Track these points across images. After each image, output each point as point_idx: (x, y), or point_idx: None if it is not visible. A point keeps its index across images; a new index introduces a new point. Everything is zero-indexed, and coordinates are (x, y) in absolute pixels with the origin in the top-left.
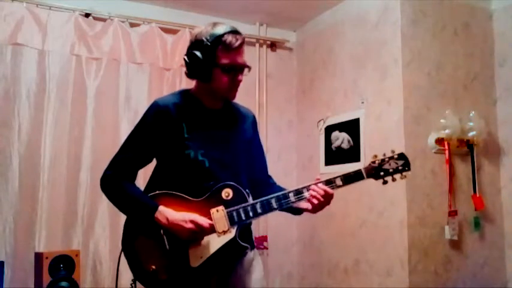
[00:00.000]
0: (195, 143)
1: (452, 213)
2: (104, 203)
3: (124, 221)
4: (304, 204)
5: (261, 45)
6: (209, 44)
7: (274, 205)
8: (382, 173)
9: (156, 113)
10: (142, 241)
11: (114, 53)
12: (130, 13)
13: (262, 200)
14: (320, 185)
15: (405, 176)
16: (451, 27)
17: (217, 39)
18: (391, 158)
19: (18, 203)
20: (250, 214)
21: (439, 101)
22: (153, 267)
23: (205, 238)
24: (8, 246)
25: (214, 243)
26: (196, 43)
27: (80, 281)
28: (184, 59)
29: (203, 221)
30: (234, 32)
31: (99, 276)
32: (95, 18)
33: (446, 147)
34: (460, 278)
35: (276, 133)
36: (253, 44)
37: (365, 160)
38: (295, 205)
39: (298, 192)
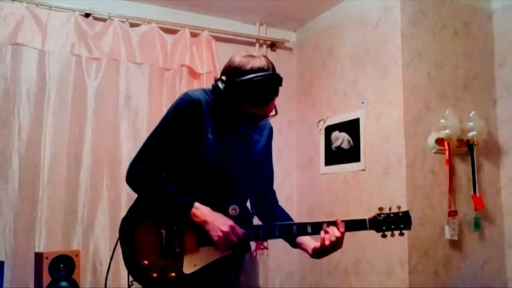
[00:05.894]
0: (213, 146)
1: (452, 213)
2: (104, 203)
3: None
4: (311, 243)
5: (261, 45)
6: (236, 88)
7: (277, 233)
8: (384, 227)
9: (189, 105)
10: (142, 235)
11: (114, 53)
12: (131, 13)
13: (267, 226)
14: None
15: (403, 234)
16: (451, 27)
17: (246, 88)
18: (396, 214)
19: (18, 203)
20: (252, 236)
21: (439, 101)
22: (146, 262)
23: (203, 248)
24: (8, 246)
25: (210, 255)
26: (228, 73)
27: (80, 281)
28: (216, 81)
29: (241, 231)
30: (271, 79)
31: (99, 276)
32: (95, 18)
33: (446, 147)
34: (460, 278)
35: (276, 133)
36: (253, 44)
37: (365, 160)
38: (303, 246)
39: (301, 227)
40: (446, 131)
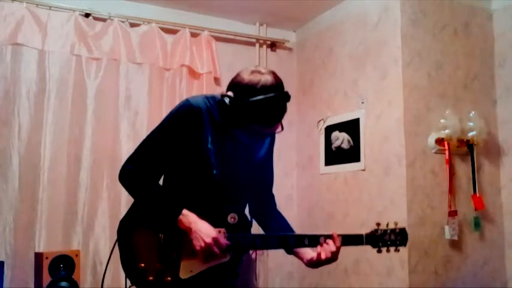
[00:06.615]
0: (213, 155)
1: (452, 213)
2: (104, 203)
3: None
4: (307, 252)
5: (261, 45)
6: (245, 108)
7: (274, 244)
8: (380, 243)
9: (189, 112)
10: (139, 238)
11: (114, 53)
12: (131, 13)
13: (264, 236)
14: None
15: (399, 250)
16: (451, 27)
17: (256, 109)
18: (393, 230)
19: (18, 203)
20: (249, 245)
21: (439, 101)
22: (143, 265)
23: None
24: (8, 246)
25: (207, 261)
26: (236, 90)
27: (80, 281)
28: (222, 97)
29: (224, 243)
30: (281, 99)
31: (99, 276)
32: (95, 18)
33: (446, 147)
34: (460, 278)
35: (276, 133)
36: (253, 44)
37: (365, 160)
38: (299, 254)
39: (299, 239)
40: (446, 131)
